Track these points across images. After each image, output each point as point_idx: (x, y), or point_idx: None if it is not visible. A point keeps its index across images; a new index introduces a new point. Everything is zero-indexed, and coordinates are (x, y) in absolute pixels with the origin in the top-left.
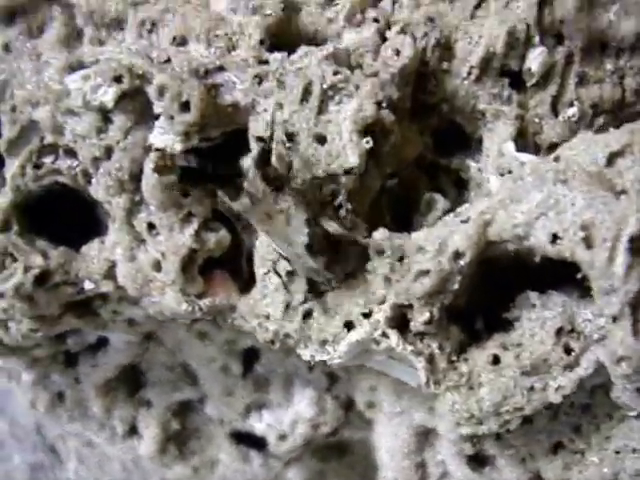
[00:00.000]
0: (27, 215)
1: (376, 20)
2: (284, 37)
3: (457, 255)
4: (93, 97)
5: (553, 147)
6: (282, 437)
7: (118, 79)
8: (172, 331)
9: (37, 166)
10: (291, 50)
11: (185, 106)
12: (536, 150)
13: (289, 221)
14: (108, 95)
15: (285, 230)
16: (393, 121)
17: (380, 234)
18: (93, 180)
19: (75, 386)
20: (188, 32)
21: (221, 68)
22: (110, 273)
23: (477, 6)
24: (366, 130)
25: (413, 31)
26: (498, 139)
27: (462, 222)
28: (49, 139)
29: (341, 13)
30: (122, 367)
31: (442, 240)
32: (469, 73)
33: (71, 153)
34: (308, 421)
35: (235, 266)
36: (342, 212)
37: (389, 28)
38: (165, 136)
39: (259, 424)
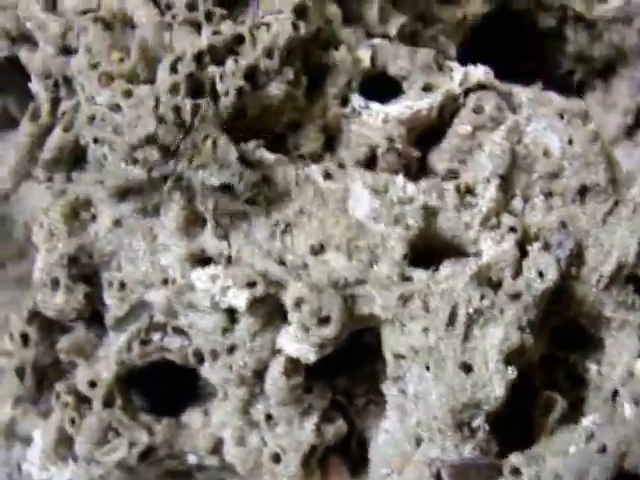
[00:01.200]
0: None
1: (513, 229)
2: (423, 244)
3: None
4: (222, 299)
5: None
6: None
7: (251, 285)
8: None
9: (144, 342)
10: (430, 258)
11: (324, 320)
12: None
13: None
14: (239, 300)
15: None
16: (532, 342)
17: (516, 459)
18: (206, 363)
19: None
20: (327, 240)
21: (362, 282)
22: (216, 448)
23: (609, 212)
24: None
25: (547, 237)
26: (627, 353)
27: (598, 452)
28: (160, 318)
29: (477, 217)
30: None
31: (581, 472)
32: (598, 282)
33: (182, 332)
34: None
35: (345, 447)
36: (479, 434)
37: (526, 236)
38: (299, 345)
39: None
